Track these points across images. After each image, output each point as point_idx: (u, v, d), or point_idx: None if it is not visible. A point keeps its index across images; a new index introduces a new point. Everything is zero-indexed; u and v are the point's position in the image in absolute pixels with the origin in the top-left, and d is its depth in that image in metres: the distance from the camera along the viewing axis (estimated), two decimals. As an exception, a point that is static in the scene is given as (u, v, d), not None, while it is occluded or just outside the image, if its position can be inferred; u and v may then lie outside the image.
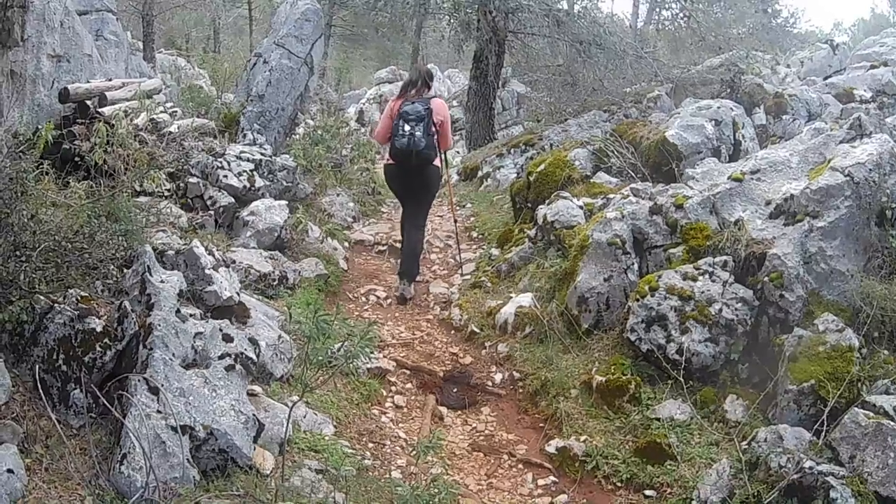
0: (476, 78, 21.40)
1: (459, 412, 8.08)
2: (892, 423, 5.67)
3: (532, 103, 26.43)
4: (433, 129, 10.62)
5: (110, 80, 11.48)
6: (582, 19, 20.36)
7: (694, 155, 11.82)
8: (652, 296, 7.92)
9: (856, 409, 5.97)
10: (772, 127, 16.02)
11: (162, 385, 5.42)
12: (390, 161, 10.95)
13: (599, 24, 20.61)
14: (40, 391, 5.48)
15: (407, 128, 10.45)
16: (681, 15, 25.46)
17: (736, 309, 7.73)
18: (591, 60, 19.84)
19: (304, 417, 6.67)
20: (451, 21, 23.17)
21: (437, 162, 10.99)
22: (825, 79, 21.98)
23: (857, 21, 64.09)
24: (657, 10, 33.06)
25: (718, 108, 13.02)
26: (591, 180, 12.21)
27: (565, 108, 19.31)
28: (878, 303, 7.22)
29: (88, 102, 10.27)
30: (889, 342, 7.24)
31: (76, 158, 9.23)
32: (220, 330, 6.42)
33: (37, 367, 5.58)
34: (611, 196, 10.72)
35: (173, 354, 5.74)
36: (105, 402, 5.47)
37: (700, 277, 8.00)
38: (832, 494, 5.39)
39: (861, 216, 7.90)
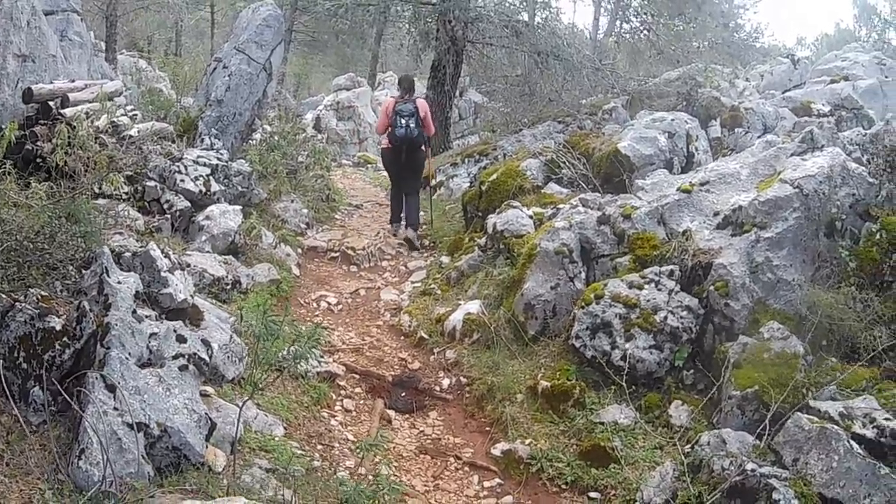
0: (433, 87, 21.48)
1: (407, 416, 8.21)
2: (836, 428, 5.85)
3: (488, 113, 26.55)
4: (419, 121, 14.19)
5: (73, 81, 11.48)
6: (541, 31, 20.49)
7: (646, 166, 12.00)
8: (597, 303, 8.11)
9: (799, 413, 6.14)
10: (727, 140, 16.22)
11: (118, 383, 5.54)
12: (389, 146, 14.48)
13: (559, 36, 20.70)
14: (2, 388, 5.61)
15: (403, 121, 14.05)
16: (642, 28, 25.62)
17: (681, 317, 7.94)
18: (548, 71, 19.97)
19: (255, 419, 6.80)
20: (411, 30, 23.29)
21: (423, 148, 14.65)
22: (784, 92, 22.17)
23: (820, 36, 64.11)
24: (618, 21, 33.24)
25: (672, 120, 13.23)
26: (542, 190, 12.35)
27: (521, 119, 19.42)
28: (825, 311, 7.37)
29: (51, 103, 10.27)
30: (837, 350, 7.38)
31: (38, 159, 9.29)
32: (175, 331, 6.55)
33: None
34: (560, 206, 10.88)
35: (129, 354, 5.86)
36: (66, 398, 5.60)
37: (646, 286, 8.20)
38: (775, 496, 5.54)
39: (809, 227, 8.10)
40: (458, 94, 24.45)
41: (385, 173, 16.83)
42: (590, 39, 30.82)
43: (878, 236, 7.91)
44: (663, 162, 12.31)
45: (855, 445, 5.74)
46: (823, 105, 19.21)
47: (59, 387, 5.66)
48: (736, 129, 16.58)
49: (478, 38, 21.40)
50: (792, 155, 9.21)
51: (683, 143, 13.00)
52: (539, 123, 18.16)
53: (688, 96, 17.30)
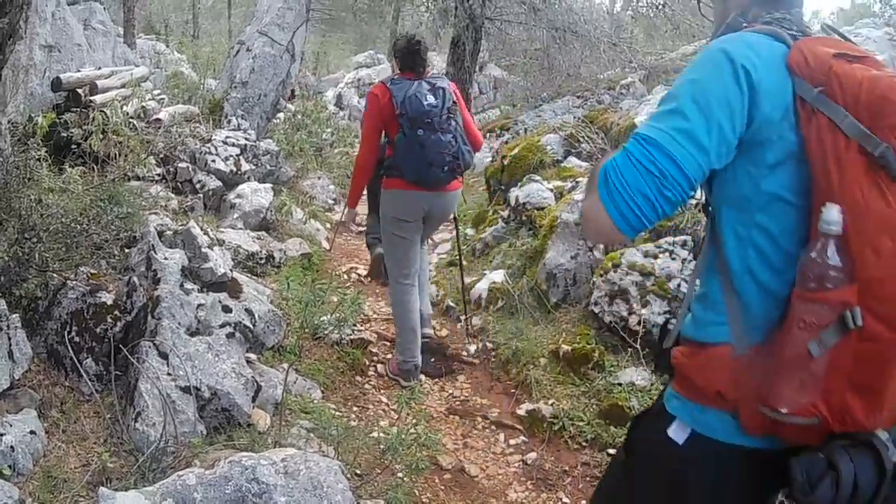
0: (453, 63, 21.57)
1: (437, 380, 8.44)
2: None
3: (508, 87, 26.71)
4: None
5: (100, 68, 11.72)
6: (558, 6, 20.65)
7: (663, 141, 12.21)
8: (615, 272, 8.31)
9: None
10: (742, 114, 16.31)
11: (170, 350, 5.87)
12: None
13: (575, 12, 20.85)
14: (54, 361, 5.98)
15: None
16: (657, 3, 25.68)
17: (694, 285, 8.16)
18: (566, 47, 20.16)
19: (295, 383, 7.07)
20: (430, 7, 23.50)
21: None
22: (798, 68, 22.12)
23: (836, 10, 63.38)
24: (634, -5, 33.19)
25: (687, 95, 13.41)
26: (562, 164, 12.51)
27: (540, 94, 19.63)
28: None
29: (80, 91, 10.56)
30: None
31: (70, 145, 9.60)
32: (220, 302, 6.90)
33: (50, 339, 6.06)
34: (580, 179, 11.08)
35: (179, 323, 6.19)
36: (118, 367, 5.94)
37: (660, 255, 8.37)
38: None
39: None
40: (477, 69, 24.61)
41: None
42: (607, 14, 30.90)
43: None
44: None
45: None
46: (835, 80, 19.18)
47: (111, 358, 5.99)
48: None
49: (496, 15, 21.53)
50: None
51: (698, 118, 13.17)
52: (558, 98, 18.41)
53: (703, 71, 17.44)
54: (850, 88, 2.37)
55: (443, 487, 6.47)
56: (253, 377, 6.27)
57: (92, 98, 10.54)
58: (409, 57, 7.46)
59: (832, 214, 2.29)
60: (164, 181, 10.67)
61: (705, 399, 2.64)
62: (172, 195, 10.44)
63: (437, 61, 34.99)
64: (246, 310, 7.19)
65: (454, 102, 7.38)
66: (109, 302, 6.22)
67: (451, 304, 10.09)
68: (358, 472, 6.00)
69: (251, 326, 7.07)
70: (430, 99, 7.18)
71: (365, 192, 8.39)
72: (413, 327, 7.98)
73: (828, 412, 2.35)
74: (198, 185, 11.13)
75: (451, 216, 8.54)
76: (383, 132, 7.57)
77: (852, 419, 2.35)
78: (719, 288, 2.68)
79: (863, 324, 2.27)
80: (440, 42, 26.42)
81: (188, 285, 6.82)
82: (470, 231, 12.63)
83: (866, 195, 2.29)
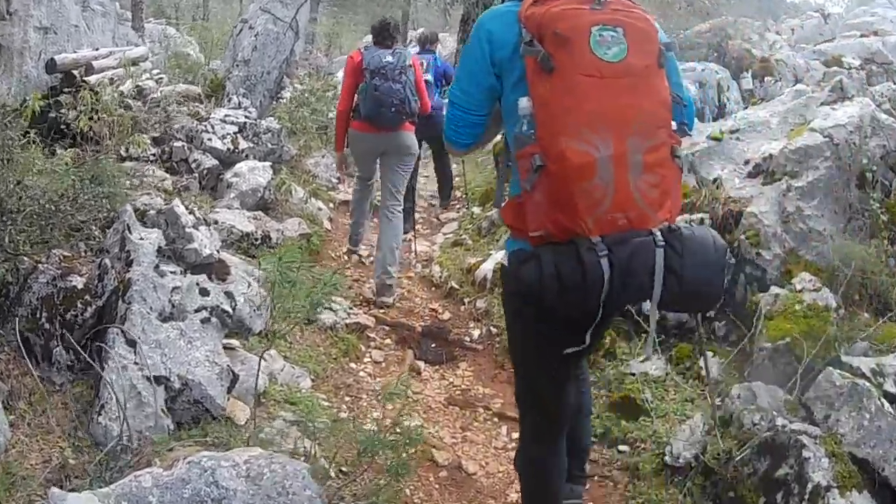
0: (463, 41, 21.32)
1: (437, 367, 8.14)
2: (867, 384, 5.56)
3: (519, 65, 26.40)
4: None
5: (97, 49, 11.61)
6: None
7: (678, 116, 11.88)
8: (627, 252, 7.96)
9: (830, 368, 5.83)
10: (758, 90, 16.04)
11: (139, 337, 5.54)
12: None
13: (587, -13, 20.61)
14: (24, 350, 5.61)
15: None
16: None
17: (712, 267, 7.75)
18: (577, 23, 19.87)
19: (282, 371, 6.79)
20: (439, -15, 23.23)
21: None
22: (815, 46, 21.95)
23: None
24: (649, -28, 32.91)
25: (703, 70, 13.10)
26: (572, 141, 12.28)
27: (551, 70, 19.31)
28: (857, 264, 7.11)
29: (75, 72, 10.44)
30: (868, 305, 7.14)
31: (63, 127, 9.41)
32: (197, 284, 6.52)
33: (20, 326, 5.70)
34: (589, 154, 10.80)
35: (151, 308, 5.86)
36: (86, 356, 5.61)
37: None
38: (805, 454, 5.21)
39: (840, 177, 7.82)
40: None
41: None
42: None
43: (909, 190, 7.73)
44: (694, 112, 12.13)
45: (886, 404, 5.46)
46: (854, 59, 18.94)
47: (80, 345, 5.68)
48: (765, 79, 16.42)
49: (504, -9, 21.26)
50: (822, 104, 9.00)
51: (714, 94, 12.86)
52: (570, 75, 18.08)
53: (718, 48, 17.19)
54: (533, 22, 3.59)
55: (437, 486, 6.12)
56: (228, 366, 5.95)
57: (86, 79, 10.33)
58: (379, 34, 9.84)
59: (523, 102, 3.60)
60: (158, 161, 10.36)
61: (512, 230, 4.03)
62: (167, 175, 10.12)
63: (450, 42, 34.72)
64: (225, 293, 6.81)
65: (410, 66, 9.57)
66: (80, 286, 5.89)
67: (455, 285, 9.78)
68: (343, 469, 5.66)
69: (230, 310, 6.68)
70: (388, 58, 9.37)
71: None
72: (361, 208, 10.73)
73: (550, 226, 3.51)
74: (193, 165, 10.83)
75: (410, 152, 10.02)
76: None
77: (565, 228, 3.47)
78: (510, 168, 3.99)
79: (543, 164, 3.48)
80: (450, 20, 26.09)
81: (164, 267, 6.44)
82: (477, 210, 12.36)
83: (539, 88, 3.55)
